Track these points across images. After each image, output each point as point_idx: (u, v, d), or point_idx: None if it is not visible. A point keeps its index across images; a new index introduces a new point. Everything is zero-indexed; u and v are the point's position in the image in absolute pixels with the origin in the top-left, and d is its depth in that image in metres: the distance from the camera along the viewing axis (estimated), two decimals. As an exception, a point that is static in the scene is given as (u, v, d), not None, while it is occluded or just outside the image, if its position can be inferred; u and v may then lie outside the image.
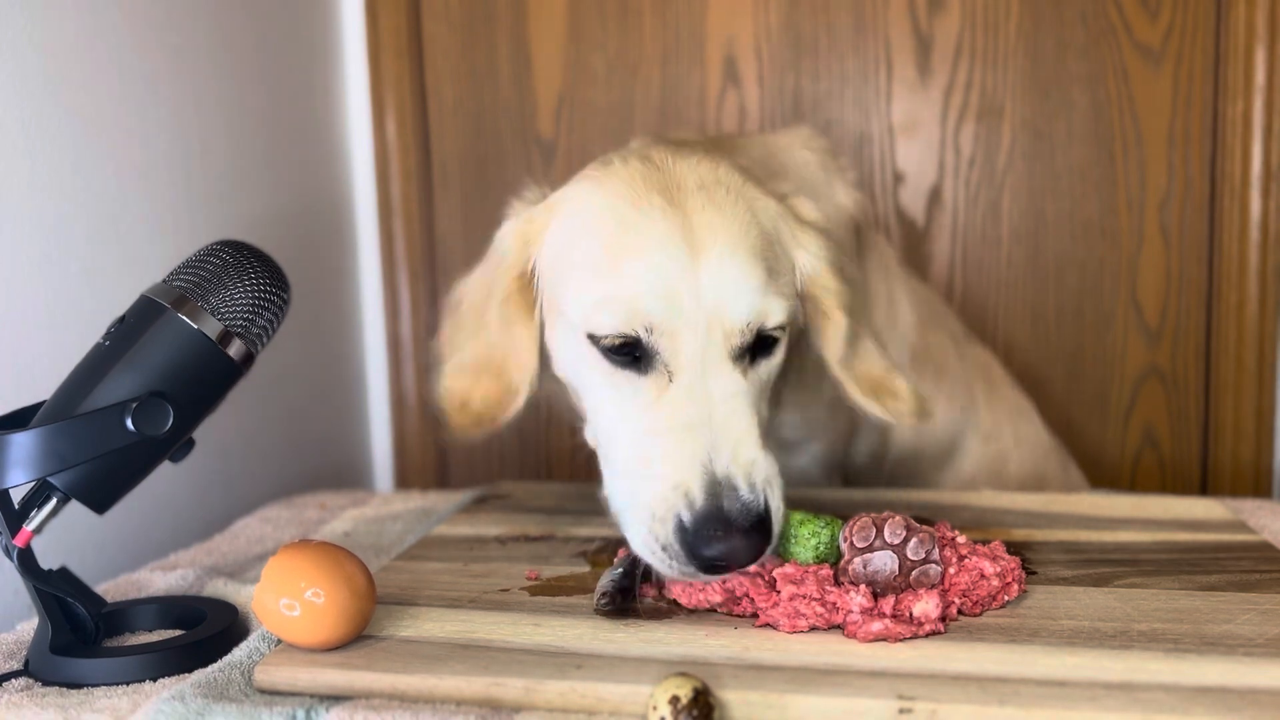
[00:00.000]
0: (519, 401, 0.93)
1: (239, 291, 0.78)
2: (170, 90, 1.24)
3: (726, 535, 0.74)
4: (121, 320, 0.77)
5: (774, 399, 0.92)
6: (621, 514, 0.82)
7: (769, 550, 0.77)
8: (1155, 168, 1.54)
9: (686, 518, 0.75)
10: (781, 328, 0.84)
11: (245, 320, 0.78)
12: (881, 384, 0.94)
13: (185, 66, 1.26)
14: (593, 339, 0.83)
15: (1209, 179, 1.53)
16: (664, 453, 0.79)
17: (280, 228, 1.47)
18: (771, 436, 0.95)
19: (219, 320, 0.77)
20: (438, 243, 1.70)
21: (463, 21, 1.65)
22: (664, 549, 0.76)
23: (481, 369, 0.94)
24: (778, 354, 0.86)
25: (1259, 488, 1.55)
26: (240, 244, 0.80)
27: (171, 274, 0.79)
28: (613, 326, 0.81)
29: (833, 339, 0.92)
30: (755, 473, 0.78)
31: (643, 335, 0.81)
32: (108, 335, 0.77)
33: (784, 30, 1.58)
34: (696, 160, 0.89)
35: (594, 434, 0.89)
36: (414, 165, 1.67)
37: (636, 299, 0.80)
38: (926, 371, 1.23)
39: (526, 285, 0.91)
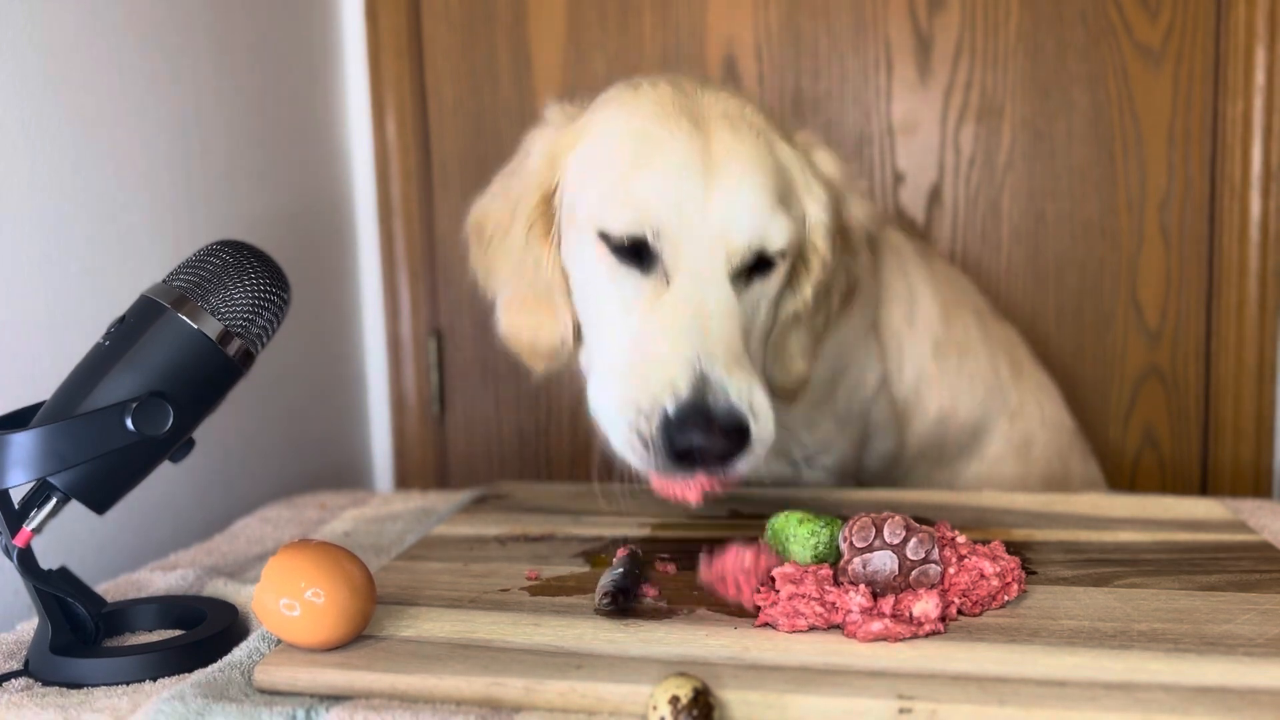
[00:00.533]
0: (568, 327, 0.95)
1: (239, 291, 0.78)
2: (170, 90, 1.24)
3: (706, 429, 0.77)
4: (121, 320, 0.77)
5: (774, 348, 0.96)
6: (604, 413, 0.85)
7: (744, 458, 0.80)
8: (1155, 168, 1.54)
9: (671, 409, 0.78)
10: (782, 254, 0.89)
11: (245, 320, 0.78)
12: (792, 359, 0.99)
13: (185, 66, 1.26)
14: (604, 237, 0.88)
15: (1209, 179, 1.53)
16: (657, 353, 0.82)
17: (280, 228, 1.47)
18: (783, 452, 0.97)
19: (219, 320, 0.77)
20: (438, 243, 1.70)
21: (463, 21, 1.65)
22: (644, 444, 0.80)
23: (534, 302, 0.96)
24: (774, 278, 0.90)
25: (1259, 488, 1.55)
26: (240, 244, 0.80)
27: (171, 274, 0.79)
28: (623, 226, 0.86)
29: (793, 294, 0.96)
30: (746, 393, 0.80)
31: (649, 237, 0.86)
32: (108, 335, 0.77)
33: (784, 30, 1.58)
34: (723, 95, 0.93)
35: (588, 355, 0.93)
36: (414, 165, 1.67)
37: (648, 203, 0.85)
38: (950, 356, 1.23)
39: (547, 206, 0.94)
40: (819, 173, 0.96)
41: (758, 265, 0.88)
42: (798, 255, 0.94)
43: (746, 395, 0.80)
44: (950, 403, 1.23)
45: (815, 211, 0.94)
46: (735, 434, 0.78)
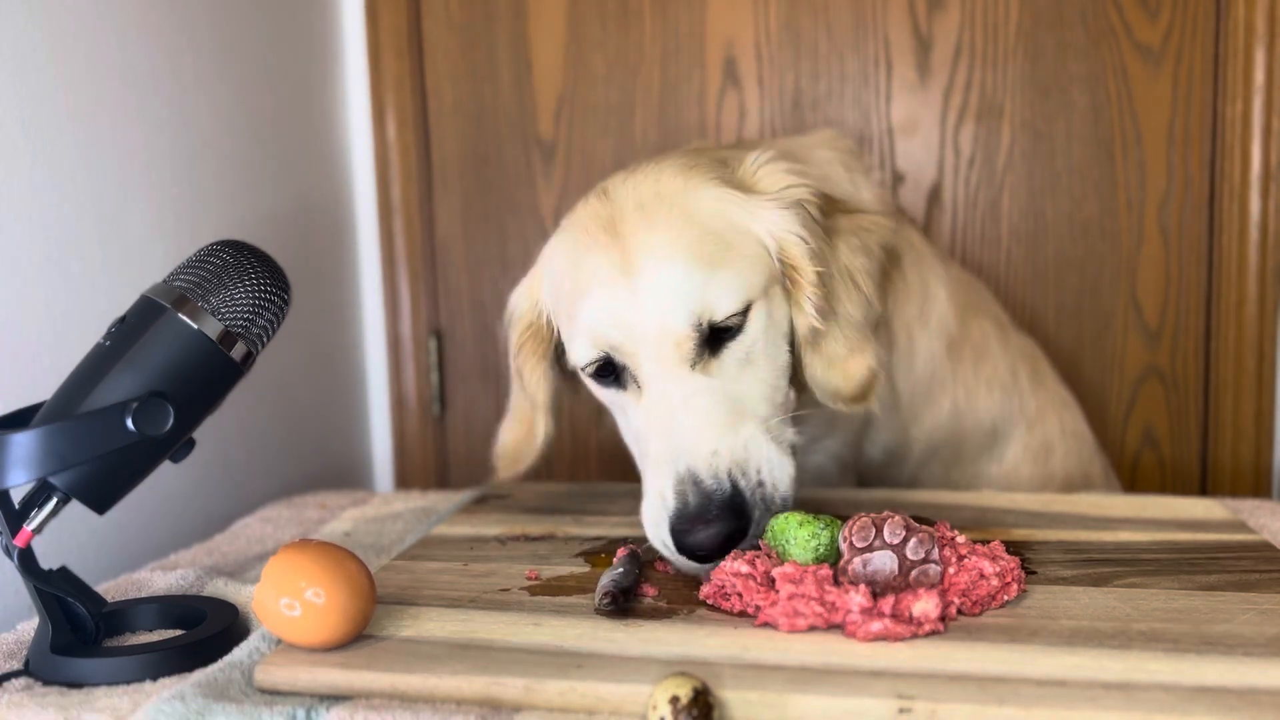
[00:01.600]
0: (539, 439, 1.05)
1: (239, 292, 0.78)
2: (171, 90, 1.24)
3: (694, 527, 0.81)
4: (122, 320, 0.77)
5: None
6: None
7: (751, 532, 0.83)
8: (1155, 168, 1.54)
9: (666, 526, 0.83)
10: (740, 312, 0.89)
11: (246, 320, 0.78)
12: (838, 362, 0.97)
13: (186, 67, 1.26)
14: (582, 369, 0.94)
15: (1209, 179, 1.53)
16: (653, 459, 0.87)
17: (280, 228, 1.47)
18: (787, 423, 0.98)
19: (219, 320, 0.77)
20: (438, 243, 1.70)
21: (463, 21, 1.65)
22: (664, 546, 0.85)
23: (522, 413, 1.06)
24: (748, 332, 0.90)
25: (1259, 488, 1.55)
26: (240, 244, 0.80)
27: (172, 274, 0.79)
28: (586, 356, 0.92)
29: (800, 314, 0.94)
30: (718, 462, 0.83)
31: (612, 356, 0.91)
32: (108, 335, 0.77)
33: (784, 30, 1.58)
34: (641, 178, 0.95)
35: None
36: (414, 165, 1.67)
37: (595, 330, 0.90)
38: (965, 357, 1.23)
39: (538, 333, 1.02)
40: (768, 193, 0.94)
41: (724, 330, 0.89)
42: (780, 280, 0.93)
43: (724, 462, 0.83)
44: (966, 401, 1.23)
45: (774, 230, 0.92)
46: (726, 514, 0.81)
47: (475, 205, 1.68)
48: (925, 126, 1.58)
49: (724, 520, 0.81)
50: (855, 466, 1.23)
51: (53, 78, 1.06)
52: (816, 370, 0.96)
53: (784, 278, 0.93)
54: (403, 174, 1.67)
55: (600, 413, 1.04)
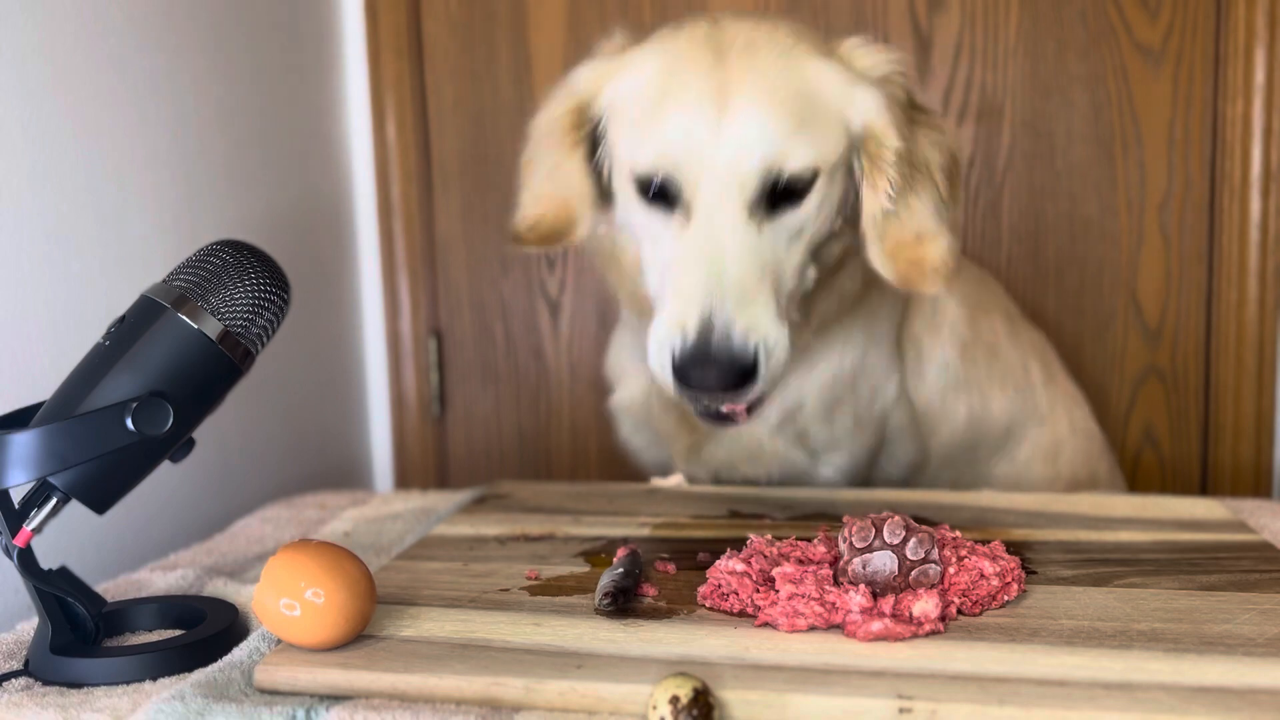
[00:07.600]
0: (582, 228, 1.01)
1: (239, 291, 0.78)
2: (170, 90, 1.24)
3: (705, 369, 0.86)
4: (121, 320, 0.77)
5: (818, 289, 0.99)
6: (651, 339, 0.92)
7: (755, 390, 0.88)
8: (1155, 168, 1.54)
9: (677, 350, 0.87)
10: (811, 173, 0.91)
11: (245, 320, 0.78)
12: (907, 249, 0.97)
13: (185, 66, 1.26)
14: (633, 176, 0.94)
15: (1209, 179, 1.53)
16: (678, 288, 0.89)
17: (280, 228, 1.47)
18: (798, 442, 0.96)
19: (219, 320, 0.77)
20: (438, 243, 1.70)
21: (463, 21, 1.65)
22: (662, 369, 0.89)
23: (548, 196, 1.02)
24: (806, 204, 0.92)
25: (1259, 488, 1.55)
26: (240, 244, 0.80)
27: (171, 274, 0.79)
28: (645, 165, 0.92)
29: (873, 193, 0.95)
30: (753, 333, 0.87)
31: (672, 174, 0.91)
32: (108, 335, 0.77)
33: (784, 30, 1.58)
34: (756, 22, 0.96)
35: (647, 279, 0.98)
36: (414, 165, 1.67)
37: (667, 143, 0.90)
38: (978, 359, 1.22)
39: (581, 120, 1.00)
40: (866, 72, 0.96)
41: (786, 194, 0.90)
42: (858, 160, 0.95)
43: (758, 331, 0.86)
44: (980, 405, 1.22)
45: (866, 105, 0.94)
46: (737, 373, 0.85)
47: (475, 205, 1.68)
48: (925, 126, 1.58)
49: (731, 376, 0.85)
50: (866, 482, 1.21)
51: (53, 78, 1.06)
52: (876, 256, 0.97)
53: (858, 161, 0.95)
54: (403, 174, 1.67)
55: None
